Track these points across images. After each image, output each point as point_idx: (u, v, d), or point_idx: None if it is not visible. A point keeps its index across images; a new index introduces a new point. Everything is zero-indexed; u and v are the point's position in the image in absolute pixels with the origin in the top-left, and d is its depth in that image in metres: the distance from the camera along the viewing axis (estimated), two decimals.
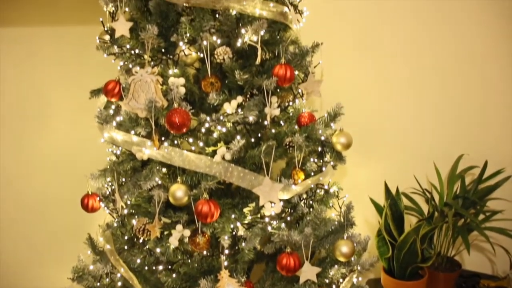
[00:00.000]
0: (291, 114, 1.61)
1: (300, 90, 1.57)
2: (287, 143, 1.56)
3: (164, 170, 1.46)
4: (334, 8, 2.13)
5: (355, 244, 1.58)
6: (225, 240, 1.42)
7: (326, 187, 1.67)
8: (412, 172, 2.16)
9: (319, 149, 1.61)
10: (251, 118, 1.42)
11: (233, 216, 1.45)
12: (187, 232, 1.42)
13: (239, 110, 1.44)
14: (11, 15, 1.82)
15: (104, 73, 1.61)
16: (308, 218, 1.55)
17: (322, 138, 1.57)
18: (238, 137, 1.41)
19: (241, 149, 1.38)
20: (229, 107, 1.45)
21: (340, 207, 1.69)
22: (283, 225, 1.48)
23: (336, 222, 1.63)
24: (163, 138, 1.46)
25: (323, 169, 1.59)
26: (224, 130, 1.43)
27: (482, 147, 2.11)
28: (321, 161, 1.61)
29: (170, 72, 1.47)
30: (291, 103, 1.60)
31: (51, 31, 1.98)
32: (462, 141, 2.12)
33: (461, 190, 2.02)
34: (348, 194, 1.73)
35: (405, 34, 2.10)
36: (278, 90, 1.54)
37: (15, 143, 1.91)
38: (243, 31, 1.42)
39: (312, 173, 1.58)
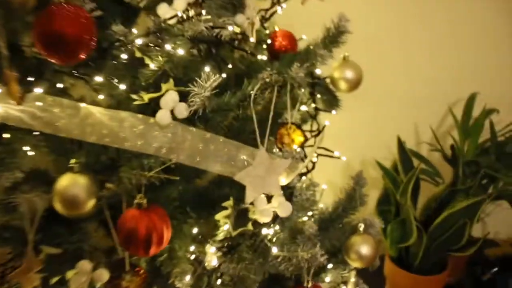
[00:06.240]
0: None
1: None
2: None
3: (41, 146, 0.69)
4: None
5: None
6: (184, 283, 0.70)
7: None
8: (412, 121, 1.63)
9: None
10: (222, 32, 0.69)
11: (195, 231, 0.73)
12: (101, 275, 0.68)
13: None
14: None
15: None
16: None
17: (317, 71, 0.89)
18: (207, 68, 0.66)
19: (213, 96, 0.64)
20: (168, 10, 0.69)
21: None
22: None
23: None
24: (30, 79, 0.68)
25: None
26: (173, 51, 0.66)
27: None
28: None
29: None
30: None
31: None
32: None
33: (492, 142, 1.44)
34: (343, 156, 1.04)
35: None
36: None
37: None
38: None
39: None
